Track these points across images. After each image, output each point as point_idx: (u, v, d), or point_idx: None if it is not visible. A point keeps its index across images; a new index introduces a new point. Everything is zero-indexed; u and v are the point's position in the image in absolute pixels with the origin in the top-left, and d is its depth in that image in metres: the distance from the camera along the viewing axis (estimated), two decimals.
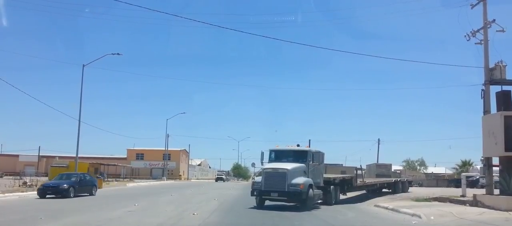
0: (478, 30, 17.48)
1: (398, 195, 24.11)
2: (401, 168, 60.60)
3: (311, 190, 15.22)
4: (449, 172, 66.45)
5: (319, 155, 16.98)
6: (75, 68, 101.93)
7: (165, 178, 62.16)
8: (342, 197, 19.96)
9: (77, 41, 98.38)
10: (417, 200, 19.00)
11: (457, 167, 59.35)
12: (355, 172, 21.00)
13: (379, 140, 60.53)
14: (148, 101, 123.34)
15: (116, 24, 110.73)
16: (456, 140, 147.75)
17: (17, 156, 79.06)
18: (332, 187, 17.90)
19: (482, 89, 17.23)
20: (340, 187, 18.93)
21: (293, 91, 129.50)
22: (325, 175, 18.48)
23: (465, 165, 57.86)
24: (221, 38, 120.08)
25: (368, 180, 23.87)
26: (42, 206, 15.40)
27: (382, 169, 40.41)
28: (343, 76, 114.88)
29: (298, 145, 16.96)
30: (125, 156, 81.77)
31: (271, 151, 16.80)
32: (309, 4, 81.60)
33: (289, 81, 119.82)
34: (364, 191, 23.31)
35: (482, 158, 17.71)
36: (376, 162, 51.47)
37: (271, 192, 15.18)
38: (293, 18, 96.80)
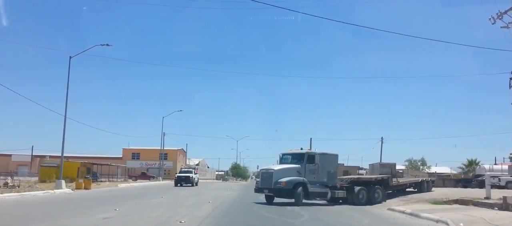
0: (505, 12, 15.54)
1: (410, 196, 22.22)
2: (403, 167, 58.70)
3: (300, 188, 16.93)
4: (453, 171, 64.49)
5: (321, 157, 18.13)
6: (74, 67, 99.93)
7: (160, 178, 60.02)
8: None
9: (77, 40, 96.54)
10: (435, 202, 17.04)
11: (463, 167, 57.35)
12: (390, 171, 22.38)
13: (382, 138, 58.51)
14: (146, 100, 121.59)
15: (115, 22, 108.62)
16: (455, 138, 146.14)
17: (10, 155, 76.91)
18: (358, 187, 18.40)
19: (510, 78, 15.29)
20: (378, 186, 19.31)
21: (294, 90, 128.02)
22: (359, 176, 21.33)
23: (472, 164, 55.86)
24: (221, 37, 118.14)
25: (401, 180, 23.61)
26: (9, 211, 13.39)
27: (387, 169, 38.49)
28: (344, 75, 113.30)
29: (301, 148, 19.12)
30: (121, 156, 79.74)
31: (282, 154, 19.35)
32: (309, 3, 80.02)
33: (289, 80, 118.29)
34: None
35: (511, 155, 15.78)
36: (379, 161, 49.55)
37: (264, 189, 17.89)
38: (293, 18, 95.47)
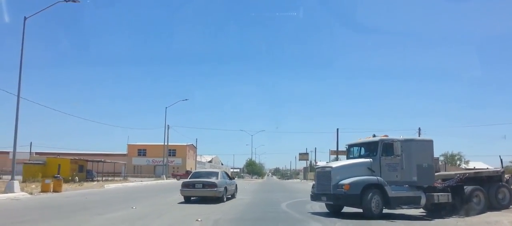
0: None
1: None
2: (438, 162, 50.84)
3: (371, 192, 11.79)
4: (490, 167, 56.12)
5: (404, 145, 12.48)
6: (78, 66, 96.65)
7: (164, 176, 53.25)
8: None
9: (79, 40, 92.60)
10: None
11: None
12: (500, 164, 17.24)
13: (419, 129, 50.31)
14: (151, 99, 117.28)
15: (117, 22, 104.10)
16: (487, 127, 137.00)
17: (8, 152, 72.09)
18: (470, 187, 13.05)
19: None
20: (503, 184, 13.95)
21: (295, 89, 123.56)
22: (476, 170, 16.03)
23: None
24: (224, 35, 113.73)
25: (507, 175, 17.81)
26: None
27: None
28: (345, 75, 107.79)
29: (374, 135, 13.49)
30: (126, 152, 73.88)
31: (348, 146, 14.25)
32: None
33: (291, 79, 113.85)
34: None
35: None
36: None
37: (321, 195, 12.77)
38: (295, 13, 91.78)
